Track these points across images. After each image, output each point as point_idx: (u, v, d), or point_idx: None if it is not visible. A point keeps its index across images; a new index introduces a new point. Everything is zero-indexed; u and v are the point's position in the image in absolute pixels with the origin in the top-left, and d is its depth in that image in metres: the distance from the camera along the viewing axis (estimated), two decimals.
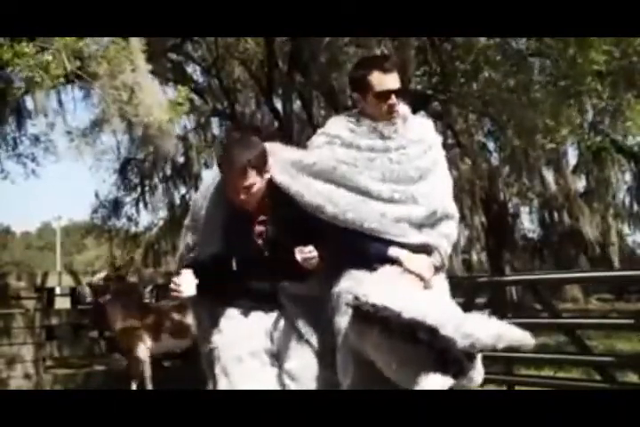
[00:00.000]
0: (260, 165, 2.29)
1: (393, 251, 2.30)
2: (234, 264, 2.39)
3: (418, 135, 2.46)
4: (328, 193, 2.30)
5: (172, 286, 2.35)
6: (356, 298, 2.15)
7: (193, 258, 2.47)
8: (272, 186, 2.34)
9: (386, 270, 2.27)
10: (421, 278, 2.27)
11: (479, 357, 2.14)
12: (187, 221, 2.53)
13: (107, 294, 5.90)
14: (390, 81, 2.38)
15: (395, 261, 2.28)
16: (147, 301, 7.08)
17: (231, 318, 2.43)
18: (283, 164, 2.35)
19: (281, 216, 2.33)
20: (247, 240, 2.38)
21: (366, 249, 2.30)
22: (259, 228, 2.39)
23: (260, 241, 2.38)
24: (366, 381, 2.21)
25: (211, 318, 2.51)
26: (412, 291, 2.22)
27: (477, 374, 2.14)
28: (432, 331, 2.00)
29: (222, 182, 2.35)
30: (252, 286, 2.43)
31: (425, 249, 2.35)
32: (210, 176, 2.54)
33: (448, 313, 2.10)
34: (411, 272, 2.27)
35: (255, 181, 2.28)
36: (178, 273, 2.40)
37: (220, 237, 2.38)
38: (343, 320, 2.24)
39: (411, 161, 2.40)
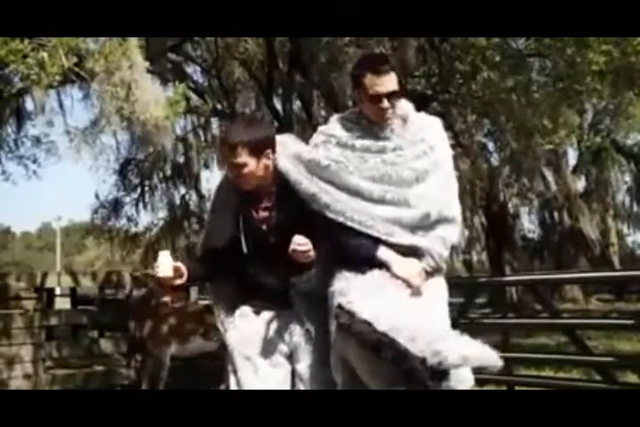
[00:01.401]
0: (257, 147, 2.30)
1: (382, 253, 2.28)
2: (244, 248, 2.40)
3: (419, 136, 2.40)
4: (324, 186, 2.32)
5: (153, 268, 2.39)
6: (340, 306, 2.15)
7: (211, 244, 2.50)
8: (278, 173, 2.36)
9: (375, 275, 2.25)
10: (409, 285, 2.24)
11: (463, 368, 2.13)
12: (209, 208, 2.60)
13: (142, 289, 5.96)
14: (382, 84, 2.33)
15: (384, 265, 2.26)
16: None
17: (245, 316, 2.45)
18: (288, 154, 2.38)
19: (285, 203, 2.35)
20: (253, 226, 2.40)
21: (358, 248, 2.29)
22: (263, 213, 2.40)
23: (264, 227, 2.39)
24: (356, 382, 2.23)
25: (228, 315, 2.52)
26: (397, 301, 2.19)
27: (461, 385, 2.13)
28: (398, 350, 2.02)
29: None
30: (263, 284, 2.43)
31: (415, 252, 2.30)
32: None
33: (424, 326, 2.08)
34: (399, 278, 2.24)
35: (246, 162, 2.29)
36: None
37: (231, 222, 2.42)
38: (333, 323, 2.24)
39: (406, 162, 2.34)
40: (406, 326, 2.04)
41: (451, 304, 2.41)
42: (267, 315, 2.43)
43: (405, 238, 2.29)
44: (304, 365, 2.39)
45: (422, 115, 2.54)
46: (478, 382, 2.24)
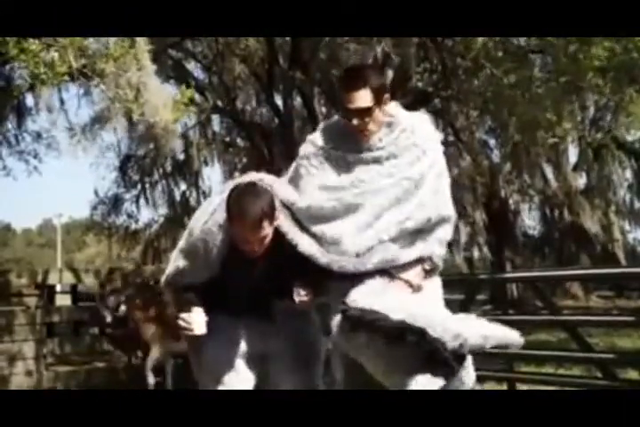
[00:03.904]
0: (271, 212, 2.22)
1: None
2: (231, 292, 2.41)
3: (411, 140, 2.34)
4: (319, 242, 2.25)
5: (181, 323, 2.31)
6: (344, 303, 2.16)
7: (189, 282, 2.40)
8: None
9: (376, 278, 2.24)
10: (410, 285, 2.25)
11: (469, 359, 2.14)
12: (182, 245, 2.43)
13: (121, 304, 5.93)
14: (351, 101, 2.28)
15: (384, 270, 2.25)
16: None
17: (220, 322, 2.41)
18: (280, 204, 2.30)
19: (281, 254, 2.28)
20: (247, 275, 2.35)
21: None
22: (259, 263, 2.34)
23: (258, 274, 2.34)
24: (356, 378, 2.25)
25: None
26: (401, 296, 2.20)
27: (468, 376, 2.14)
28: (420, 333, 2.01)
29: (229, 229, 2.24)
30: (246, 304, 2.44)
31: (417, 259, 2.30)
32: (207, 206, 2.43)
33: (437, 315, 2.09)
34: (399, 279, 2.24)
35: (269, 232, 2.22)
36: (182, 309, 2.35)
37: (218, 266, 2.34)
38: (335, 321, 2.25)
39: (402, 172, 2.29)
40: (419, 314, 2.05)
41: (452, 301, 2.43)
42: (245, 321, 2.46)
43: (407, 257, 2.26)
44: (282, 369, 2.45)
45: (412, 115, 2.48)
46: (479, 378, 2.25)
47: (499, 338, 2.05)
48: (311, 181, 2.35)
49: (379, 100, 2.30)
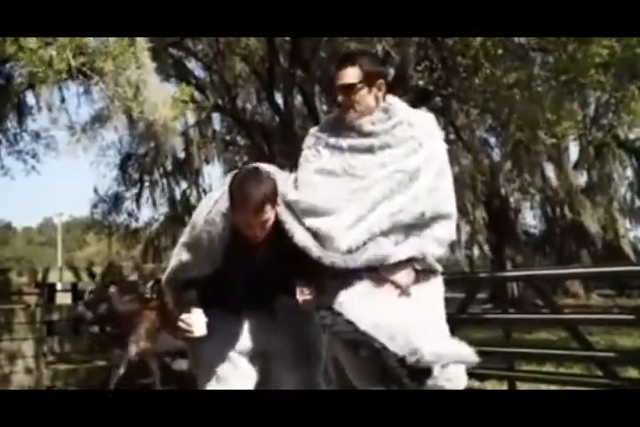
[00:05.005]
0: (273, 197, 2.23)
1: None
2: (232, 283, 2.40)
3: (409, 133, 2.35)
4: (313, 236, 2.24)
5: (181, 324, 2.30)
6: (330, 308, 2.16)
7: (192, 276, 2.40)
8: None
9: (364, 277, 2.23)
10: (397, 286, 2.23)
11: (453, 366, 2.11)
12: (185, 239, 2.43)
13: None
14: (339, 77, 2.35)
15: (373, 270, 2.23)
16: (147, 296, 7.06)
17: (221, 318, 2.41)
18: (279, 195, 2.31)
19: (281, 243, 2.27)
20: (248, 263, 2.35)
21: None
22: (259, 248, 2.34)
23: (259, 263, 2.34)
24: (347, 379, 2.27)
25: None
26: (385, 302, 2.18)
27: (450, 383, 2.11)
28: (374, 347, 2.03)
29: (231, 214, 2.25)
30: (245, 300, 2.44)
31: (408, 259, 2.28)
32: (209, 199, 2.43)
33: (406, 327, 2.08)
34: (387, 280, 2.23)
35: (271, 216, 2.22)
36: (183, 310, 2.34)
37: (221, 257, 2.34)
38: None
39: (396, 162, 2.29)
40: (387, 326, 2.05)
41: (452, 300, 2.41)
42: (244, 317, 2.46)
43: (397, 256, 2.24)
44: (284, 367, 2.44)
45: (413, 110, 2.49)
46: (479, 377, 2.25)
47: (452, 357, 2.06)
48: (308, 166, 2.39)
49: (367, 81, 2.36)
